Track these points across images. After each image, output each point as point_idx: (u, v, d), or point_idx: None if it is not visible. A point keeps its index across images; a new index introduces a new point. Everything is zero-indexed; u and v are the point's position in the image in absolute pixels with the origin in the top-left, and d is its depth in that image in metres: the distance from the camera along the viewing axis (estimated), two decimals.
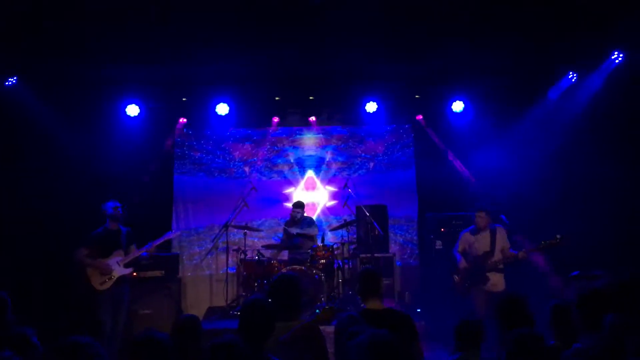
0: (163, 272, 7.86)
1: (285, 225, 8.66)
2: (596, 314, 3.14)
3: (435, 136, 9.45)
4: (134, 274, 6.86)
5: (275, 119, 9.43)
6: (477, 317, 3.83)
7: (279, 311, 3.76)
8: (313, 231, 8.46)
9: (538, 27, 7.03)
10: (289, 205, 9.03)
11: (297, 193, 9.65)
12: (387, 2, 6.37)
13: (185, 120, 9.26)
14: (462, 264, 6.90)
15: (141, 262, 7.06)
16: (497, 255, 6.73)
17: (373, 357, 2.35)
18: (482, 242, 6.87)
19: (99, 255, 6.47)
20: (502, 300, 3.70)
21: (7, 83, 8.00)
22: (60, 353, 2.61)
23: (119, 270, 6.50)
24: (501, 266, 6.73)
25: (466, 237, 7.03)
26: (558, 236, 6.32)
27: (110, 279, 6.43)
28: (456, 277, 6.97)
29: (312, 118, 9.47)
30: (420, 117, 9.51)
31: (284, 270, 7.68)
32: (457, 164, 9.20)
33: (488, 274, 6.71)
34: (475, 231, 6.95)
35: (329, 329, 4.79)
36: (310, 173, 9.78)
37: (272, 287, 4.04)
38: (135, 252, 6.64)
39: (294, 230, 8.37)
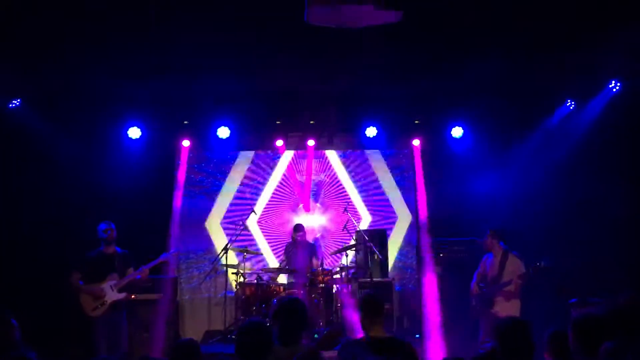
0: (160, 295, 7.81)
1: (287, 248, 8.66)
2: (591, 340, 3.13)
3: (435, 161, 9.48)
4: (132, 296, 6.68)
5: (277, 143, 9.44)
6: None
7: (281, 335, 3.76)
8: (312, 263, 8.42)
9: (536, 54, 7.12)
10: (290, 228, 9.05)
11: (297, 216, 9.65)
12: (387, 27, 6.44)
13: (189, 142, 9.26)
14: (475, 289, 6.96)
15: (139, 285, 6.83)
16: (506, 278, 6.68)
17: None
18: (492, 266, 6.89)
19: (93, 280, 6.26)
20: (501, 325, 3.68)
21: (10, 105, 8.07)
22: None
23: (112, 295, 6.23)
24: (511, 288, 6.65)
25: (486, 260, 7.06)
26: (537, 263, 6.36)
27: (102, 304, 6.19)
28: (473, 301, 7.04)
29: (311, 142, 9.49)
30: (419, 142, 9.52)
31: (282, 294, 7.68)
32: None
33: (495, 299, 6.69)
34: (491, 256, 6.98)
35: (328, 354, 4.77)
36: (309, 197, 9.80)
37: (280, 309, 3.95)
38: (128, 276, 6.39)
39: (297, 258, 8.35)
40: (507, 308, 6.57)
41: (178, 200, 9.12)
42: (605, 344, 3.01)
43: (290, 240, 8.69)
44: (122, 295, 6.32)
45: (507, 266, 6.75)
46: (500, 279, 6.71)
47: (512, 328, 3.45)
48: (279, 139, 9.41)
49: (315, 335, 7.23)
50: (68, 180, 8.30)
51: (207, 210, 9.53)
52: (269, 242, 9.53)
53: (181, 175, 9.36)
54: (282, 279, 8.68)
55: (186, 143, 9.24)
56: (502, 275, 6.72)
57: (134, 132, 8.78)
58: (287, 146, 9.62)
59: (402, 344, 4.03)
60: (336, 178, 9.84)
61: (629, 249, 7.53)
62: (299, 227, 8.56)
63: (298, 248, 8.48)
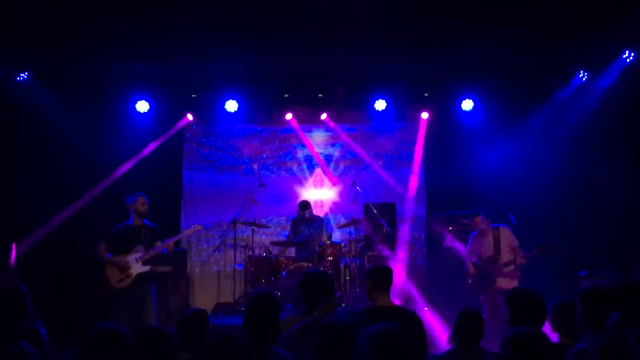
0: (172, 267, 7.85)
1: (293, 222, 8.68)
2: (599, 312, 3.12)
3: (445, 134, 9.42)
4: (157, 269, 6.44)
5: (286, 116, 9.41)
6: (476, 310, 3.81)
7: (303, 304, 3.89)
8: (322, 236, 8.43)
9: (548, 25, 6.98)
10: (298, 201, 9.08)
11: (306, 190, 9.66)
12: (396, 1, 6.35)
13: (192, 116, 9.24)
14: (471, 268, 6.88)
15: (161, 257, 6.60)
16: (504, 258, 6.68)
17: (382, 347, 2.35)
18: (486, 246, 6.81)
19: (119, 252, 6.14)
20: (514, 294, 3.68)
21: (18, 78, 8.07)
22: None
23: (137, 268, 6.11)
24: (510, 270, 6.68)
25: (474, 240, 6.98)
26: (550, 241, 6.32)
27: (128, 276, 6.08)
28: (470, 280, 6.97)
29: (323, 116, 9.45)
30: (427, 115, 9.46)
31: (291, 268, 7.73)
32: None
33: (496, 278, 6.67)
34: (479, 235, 6.92)
35: None
36: (318, 170, 9.79)
37: (306, 279, 4.04)
38: (153, 249, 6.23)
39: (304, 233, 8.38)
40: (508, 282, 6.59)
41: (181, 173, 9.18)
42: (613, 315, 3.00)
43: (297, 216, 8.69)
44: (147, 268, 6.18)
45: (502, 242, 6.73)
46: (498, 255, 6.70)
47: (526, 298, 3.46)
48: (288, 112, 9.38)
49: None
50: (75, 154, 8.33)
51: (215, 184, 9.56)
52: (277, 216, 9.56)
53: (190, 148, 9.39)
54: (291, 252, 8.74)
55: (189, 117, 9.23)
56: (500, 251, 6.70)
57: (142, 106, 8.77)
58: (296, 120, 9.58)
59: (408, 313, 4.07)
60: (345, 151, 9.81)
61: (638, 224, 7.46)
62: (304, 205, 8.53)
63: (305, 222, 8.50)
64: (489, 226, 6.81)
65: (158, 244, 6.29)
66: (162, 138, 9.09)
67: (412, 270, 9.17)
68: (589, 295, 3.30)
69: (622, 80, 7.87)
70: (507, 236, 6.75)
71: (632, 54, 7.76)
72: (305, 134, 9.77)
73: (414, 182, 9.70)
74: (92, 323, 2.98)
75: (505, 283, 6.57)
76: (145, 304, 6.16)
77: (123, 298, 6.08)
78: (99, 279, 6.18)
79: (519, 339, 2.74)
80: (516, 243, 6.71)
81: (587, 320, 3.21)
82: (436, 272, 8.52)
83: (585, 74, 8.39)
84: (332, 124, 9.65)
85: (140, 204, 6.30)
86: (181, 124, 9.29)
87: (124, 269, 6.10)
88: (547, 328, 3.55)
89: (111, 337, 2.87)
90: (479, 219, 6.81)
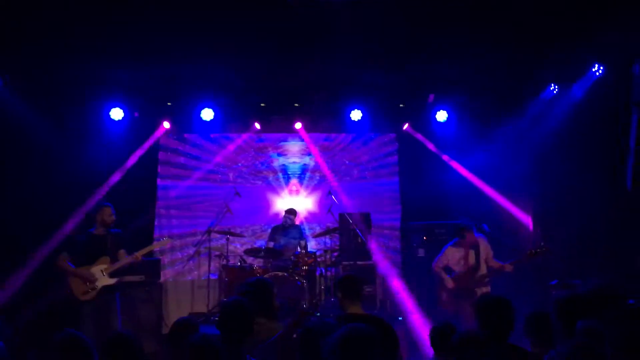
0: (144, 277, 7.75)
1: (273, 230, 8.66)
2: (572, 320, 3.17)
3: (420, 145, 9.52)
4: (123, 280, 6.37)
5: (259, 125, 9.41)
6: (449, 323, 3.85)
7: (257, 310, 3.81)
8: (299, 244, 8.45)
9: (520, 39, 7.12)
10: (274, 211, 9.09)
11: (281, 199, 9.65)
12: (371, 11, 6.41)
13: (169, 124, 9.18)
14: (449, 282, 6.84)
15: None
16: (483, 269, 6.76)
17: (346, 344, 2.35)
18: (466, 257, 6.86)
19: (83, 262, 5.98)
20: (482, 301, 3.73)
21: None
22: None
23: (103, 280, 5.97)
24: (487, 279, 6.77)
25: (451, 252, 6.97)
26: (542, 244, 6.41)
27: (93, 289, 5.92)
28: (443, 295, 6.94)
29: (298, 125, 9.48)
30: (408, 125, 9.57)
31: (266, 277, 7.69)
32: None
33: (476, 289, 6.73)
34: (459, 245, 6.95)
35: None
36: (294, 180, 9.79)
37: (249, 287, 4.05)
38: (122, 261, 6.10)
39: (281, 241, 8.37)
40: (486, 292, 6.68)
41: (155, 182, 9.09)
42: (580, 322, 3.06)
43: (280, 223, 8.67)
44: (114, 280, 6.05)
45: (481, 253, 6.80)
46: (479, 267, 6.76)
47: (495, 305, 3.50)
48: (263, 121, 9.38)
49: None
50: (49, 161, 8.18)
51: (190, 192, 9.48)
52: (252, 225, 9.52)
53: (165, 157, 9.32)
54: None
55: (166, 125, 9.16)
56: (480, 263, 6.77)
57: (117, 114, 8.68)
58: (272, 129, 9.58)
59: (379, 321, 4.09)
60: (321, 161, 9.84)
61: (607, 233, 7.60)
62: (291, 211, 8.59)
63: (285, 231, 8.49)
64: (476, 240, 6.85)
65: (121, 252, 6.15)
66: (141, 146, 9.00)
67: (387, 280, 9.22)
68: (563, 303, 3.36)
69: (592, 94, 8.05)
70: (485, 247, 6.83)
71: (601, 68, 7.96)
72: (281, 143, 9.77)
73: (388, 192, 9.77)
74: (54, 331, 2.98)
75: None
76: (109, 313, 6.03)
77: (86, 309, 5.94)
78: (62, 290, 6.04)
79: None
80: (491, 254, 6.83)
81: (561, 328, 3.27)
82: (410, 281, 8.54)
83: (556, 87, 8.57)
84: (304, 134, 9.67)
85: (107, 214, 6.16)
86: (158, 132, 9.20)
87: (89, 281, 5.95)
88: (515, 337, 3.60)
89: (75, 344, 2.86)
90: (472, 234, 6.83)
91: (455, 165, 9.02)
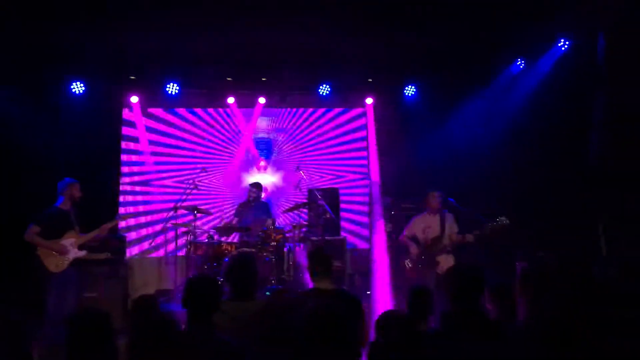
0: (109, 254, 7.67)
1: (239, 207, 8.55)
2: (537, 290, 3.22)
3: (389, 119, 9.50)
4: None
5: (228, 100, 9.25)
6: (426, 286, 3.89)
7: (235, 290, 3.84)
8: (265, 222, 8.37)
9: (487, 13, 7.12)
10: (241, 187, 8.98)
11: (249, 175, 9.55)
12: None
13: (136, 99, 8.94)
14: (414, 249, 7.00)
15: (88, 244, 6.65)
16: (446, 240, 6.86)
17: (316, 326, 2.33)
18: (432, 226, 6.99)
19: (52, 236, 6.20)
20: (455, 269, 3.76)
21: None
22: None
23: (73, 253, 6.27)
24: (449, 249, 6.87)
25: (417, 223, 7.14)
26: (503, 219, 6.48)
27: (65, 260, 6.20)
28: (408, 263, 7.06)
29: (262, 100, 9.34)
30: (372, 100, 9.54)
31: (234, 253, 7.63)
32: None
33: (437, 258, 6.83)
34: (426, 214, 7.04)
35: None
36: (262, 155, 9.69)
37: (231, 264, 4.02)
38: (91, 233, 6.43)
39: (248, 217, 8.29)
40: (448, 262, 6.73)
41: (118, 157, 8.94)
42: (548, 293, 3.10)
43: (245, 199, 8.56)
44: (83, 252, 6.36)
45: (446, 226, 6.93)
46: (443, 235, 6.88)
47: (467, 271, 3.52)
48: (230, 96, 9.22)
49: (267, 293, 7.25)
50: (11, 137, 7.90)
51: (155, 168, 9.31)
52: (219, 202, 9.42)
53: (129, 132, 9.09)
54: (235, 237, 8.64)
55: (134, 99, 8.93)
56: (444, 232, 6.90)
57: (78, 87, 8.43)
58: (239, 104, 9.43)
59: (347, 295, 4.10)
60: (289, 136, 9.76)
61: (572, 206, 7.73)
62: (256, 185, 8.48)
63: (251, 207, 8.40)
64: (439, 206, 6.97)
65: (77, 229, 6.37)
66: (104, 122, 8.78)
67: (356, 255, 9.27)
68: (528, 274, 3.40)
69: (557, 68, 8.13)
70: (451, 222, 6.93)
71: (567, 43, 8.02)
72: (249, 118, 9.63)
73: (357, 167, 9.77)
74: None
75: (447, 263, 6.71)
76: (70, 286, 6.24)
77: (56, 281, 6.14)
78: (30, 261, 6.14)
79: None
80: (456, 229, 6.93)
81: (526, 298, 3.31)
82: (378, 256, 8.58)
83: (523, 61, 8.62)
84: (272, 109, 9.55)
85: (77, 190, 6.44)
86: (127, 106, 8.99)
87: (62, 253, 6.18)
88: None
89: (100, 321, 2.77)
90: (436, 194, 6.97)
91: (424, 139, 9.01)
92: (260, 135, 9.71)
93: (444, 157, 8.74)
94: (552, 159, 8.00)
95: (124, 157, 9.17)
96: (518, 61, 8.65)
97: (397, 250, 7.51)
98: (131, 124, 9.23)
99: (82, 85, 8.45)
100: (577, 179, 7.72)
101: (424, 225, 7.05)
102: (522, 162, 8.33)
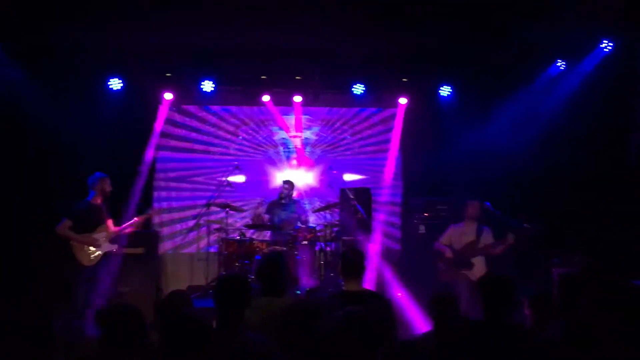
0: (143, 249, 7.75)
1: (270, 204, 8.57)
2: (573, 298, 3.13)
3: (423, 120, 9.40)
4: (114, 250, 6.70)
5: (263, 97, 9.26)
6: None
7: (266, 287, 3.82)
8: (299, 219, 8.36)
9: (528, 14, 6.98)
10: (274, 185, 8.99)
11: (282, 173, 9.56)
12: None
13: (171, 95, 9.03)
14: (448, 253, 6.96)
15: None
16: (481, 244, 6.80)
17: (344, 332, 2.28)
18: (468, 233, 6.91)
19: (84, 230, 6.30)
20: (486, 278, 3.69)
21: None
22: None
23: (105, 247, 6.39)
24: (484, 254, 6.79)
25: (454, 230, 7.08)
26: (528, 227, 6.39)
27: (97, 254, 6.31)
28: (441, 265, 7.00)
29: (297, 98, 9.33)
30: (406, 101, 9.45)
31: (265, 250, 7.64)
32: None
33: (472, 260, 6.76)
34: (464, 223, 6.99)
35: None
36: (294, 154, 9.69)
37: (263, 262, 4.01)
38: (122, 226, 6.56)
39: (280, 215, 8.29)
40: (482, 268, 6.69)
41: (151, 153, 8.94)
42: (581, 301, 3.03)
43: (277, 197, 8.57)
44: (115, 246, 6.49)
45: (482, 237, 6.84)
46: (478, 241, 6.79)
47: (498, 281, 3.45)
48: (265, 94, 9.23)
49: (297, 292, 7.24)
50: (48, 132, 8.06)
51: (190, 165, 9.40)
52: (251, 199, 9.45)
53: (159, 127, 9.15)
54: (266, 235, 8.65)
55: (168, 96, 9.00)
56: (479, 239, 6.82)
57: (115, 84, 8.56)
58: (273, 102, 9.44)
59: (377, 297, 4.05)
60: (322, 135, 9.73)
61: (612, 210, 7.51)
62: (289, 182, 8.48)
63: (282, 205, 8.40)
64: (478, 215, 6.91)
65: (110, 222, 6.47)
66: (141, 119, 8.90)
67: (387, 255, 9.18)
68: (564, 282, 3.32)
69: (599, 69, 7.92)
70: (488, 236, 6.85)
71: (610, 44, 7.81)
72: (282, 116, 9.64)
73: (390, 167, 9.69)
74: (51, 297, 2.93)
75: (480, 269, 6.64)
76: (98, 281, 6.34)
77: (87, 274, 6.26)
78: (62, 255, 6.24)
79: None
80: (491, 243, 6.85)
81: (562, 307, 3.23)
82: (411, 258, 8.49)
83: (564, 62, 8.43)
84: (305, 108, 9.52)
85: (108, 184, 6.52)
86: (162, 103, 9.04)
87: (94, 246, 6.29)
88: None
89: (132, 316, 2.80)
90: (476, 203, 6.91)
91: (458, 141, 8.88)
92: (294, 133, 9.71)
93: (479, 159, 8.59)
94: (592, 162, 7.80)
95: (158, 154, 9.27)
96: (558, 62, 8.45)
97: (430, 253, 7.39)
98: (167, 121, 9.32)
99: (120, 81, 8.57)
100: (618, 181, 7.51)
101: (461, 232, 7.00)
102: (560, 165, 8.14)
